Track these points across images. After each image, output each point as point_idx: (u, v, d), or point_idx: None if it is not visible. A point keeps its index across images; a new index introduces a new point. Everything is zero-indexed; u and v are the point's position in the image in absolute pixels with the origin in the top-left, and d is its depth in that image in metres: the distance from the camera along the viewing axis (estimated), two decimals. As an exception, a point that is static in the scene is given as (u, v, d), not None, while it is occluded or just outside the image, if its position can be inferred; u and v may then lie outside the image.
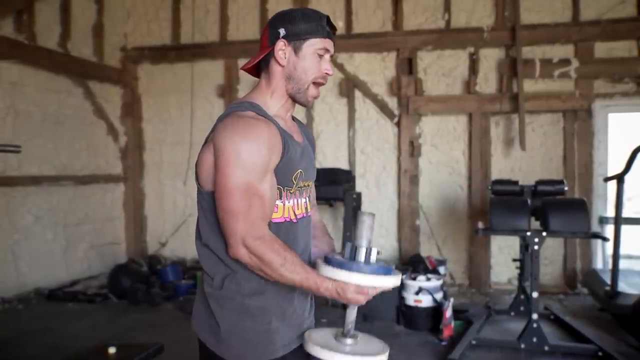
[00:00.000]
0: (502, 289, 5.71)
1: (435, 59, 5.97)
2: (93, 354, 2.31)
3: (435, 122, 5.96)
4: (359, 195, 5.33)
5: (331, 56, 1.57)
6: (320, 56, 1.53)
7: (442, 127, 5.96)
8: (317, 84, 1.55)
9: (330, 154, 6.25)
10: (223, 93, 6.56)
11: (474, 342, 3.81)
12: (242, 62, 6.50)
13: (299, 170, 1.52)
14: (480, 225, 3.86)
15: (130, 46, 6.81)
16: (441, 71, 5.97)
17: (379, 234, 6.14)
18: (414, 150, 5.93)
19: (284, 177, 1.47)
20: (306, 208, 1.58)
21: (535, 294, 3.74)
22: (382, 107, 6.06)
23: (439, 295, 4.22)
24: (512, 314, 4.58)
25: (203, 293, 1.52)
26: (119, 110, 6.77)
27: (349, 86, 6.13)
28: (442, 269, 5.10)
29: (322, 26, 1.52)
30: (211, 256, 1.50)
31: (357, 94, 6.16)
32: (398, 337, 4.08)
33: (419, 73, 5.98)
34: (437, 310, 4.13)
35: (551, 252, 5.72)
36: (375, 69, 6.11)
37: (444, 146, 5.95)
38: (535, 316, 3.71)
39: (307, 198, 1.60)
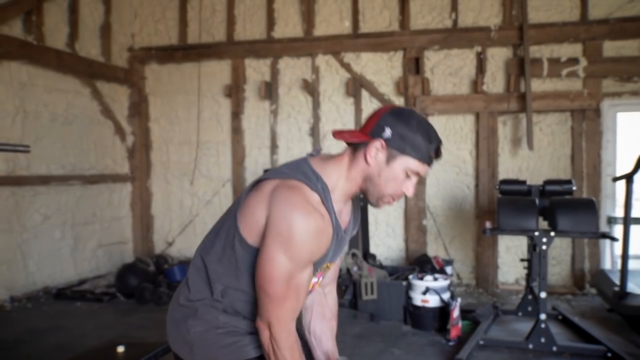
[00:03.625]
0: (510, 289, 5.69)
1: (442, 58, 5.96)
2: (102, 352, 2.32)
3: (442, 122, 5.95)
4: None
5: (419, 177, 1.51)
6: (408, 176, 1.48)
7: (449, 127, 5.95)
8: (392, 197, 1.51)
9: (337, 154, 6.24)
10: (230, 93, 6.57)
11: (481, 342, 3.80)
12: (248, 61, 6.52)
13: (327, 263, 1.55)
14: (488, 225, 3.84)
15: (137, 46, 6.84)
16: (448, 71, 5.95)
17: (385, 233, 6.14)
18: (421, 150, 5.91)
19: (314, 265, 1.48)
20: (313, 285, 1.59)
21: (543, 294, 3.72)
22: (389, 107, 6.05)
23: (446, 295, 4.21)
24: (520, 314, 4.56)
25: (179, 305, 1.57)
26: (126, 110, 6.80)
27: (356, 86, 6.12)
28: (449, 269, 5.09)
29: (428, 152, 1.46)
30: (205, 282, 1.53)
31: (364, 93, 6.15)
32: (405, 337, 4.07)
33: (425, 73, 5.97)
34: (444, 310, 4.12)
35: (559, 252, 5.70)
36: (382, 69, 6.10)
37: (450, 146, 5.93)
38: (543, 316, 3.70)
39: (321, 277, 1.61)
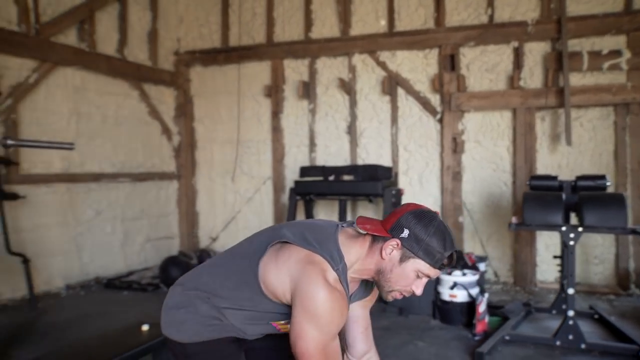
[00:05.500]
0: (548, 288, 5.60)
1: (479, 54, 5.92)
2: (129, 330, 2.54)
3: (478, 119, 5.92)
4: (398, 191, 5.38)
5: (429, 279, 1.60)
6: (419, 276, 1.58)
7: (485, 123, 5.90)
8: (400, 293, 1.62)
9: (373, 152, 6.32)
10: (269, 93, 6.78)
11: (507, 337, 3.80)
12: (287, 62, 6.71)
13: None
14: (514, 220, 3.83)
15: (182, 50, 7.16)
16: (484, 67, 5.91)
17: (422, 230, 6.15)
18: (457, 146, 5.91)
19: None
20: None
21: (571, 291, 3.68)
22: (425, 104, 6.08)
23: (474, 291, 4.21)
24: (554, 312, 4.49)
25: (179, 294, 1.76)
26: (172, 111, 7.14)
27: (392, 84, 6.18)
28: (482, 266, 5.07)
29: (440, 260, 1.56)
30: (213, 288, 1.70)
31: (400, 91, 6.20)
32: (432, 330, 4.12)
33: (461, 69, 5.96)
34: (472, 306, 4.13)
35: (602, 251, 5.55)
36: (418, 67, 6.13)
37: (487, 142, 5.89)
38: (571, 313, 3.66)
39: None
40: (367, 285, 1.78)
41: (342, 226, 1.70)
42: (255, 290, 1.62)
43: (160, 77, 6.85)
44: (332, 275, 1.54)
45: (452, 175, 5.94)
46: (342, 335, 1.83)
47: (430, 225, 1.55)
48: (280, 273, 1.58)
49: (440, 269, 1.57)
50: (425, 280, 1.59)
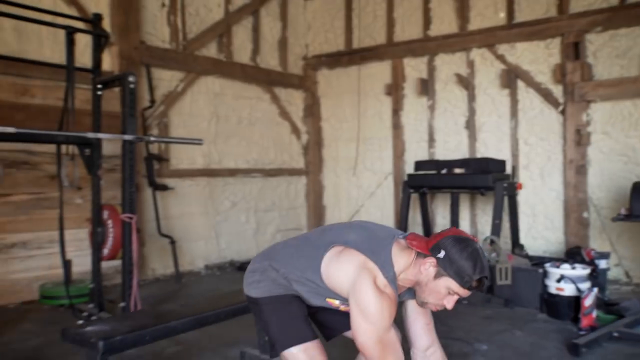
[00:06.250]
0: (689, 292, 5.08)
1: (607, 40, 5.56)
2: (232, 294, 3.02)
3: (606, 109, 5.56)
4: (511, 184, 5.30)
5: (460, 297, 1.83)
6: (450, 293, 1.82)
7: (614, 114, 5.53)
8: (434, 305, 1.87)
9: (492, 146, 6.25)
10: (390, 91, 7.03)
11: (615, 334, 3.62)
12: (407, 61, 6.90)
13: None
14: (623, 211, 3.64)
15: (310, 55, 7.72)
16: (614, 53, 5.53)
17: (544, 226, 5.95)
18: (581, 139, 5.61)
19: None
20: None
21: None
22: (546, 96, 5.87)
23: (584, 285, 4.06)
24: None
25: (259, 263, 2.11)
26: (301, 112, 7.72)
27: (511, 77, 6.06)
28: (602, 263, 4.77)
29: (469, 282, 1.76)
30: (276, 279, 2.03)
31: (520, 84, 6.06)
32: (535, 322, 4.06)
33: (587, 57, 5.65)
34: (580, 300, 3.99)
35: None
36: (539, 57, 5.93)
37: (617, 134, 5.51)
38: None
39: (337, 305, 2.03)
40: (410, 292, 2.01)
41: (399, 237, 1.95)
42: (318, 278, 1.93)
43: (289, 80, 7.47)
44: (381, 280, 1.81)
45: (575, 169, 5.65)
46: (407, 333, 2.09)
47: (466, 250, 1.77)
48: (339, 271, 1.88)
49: (469, 289, 1.77)
50: (455, 297, 1.80)
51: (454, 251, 1.76)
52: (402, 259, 1.86)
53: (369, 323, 1.77)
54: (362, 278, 1.79)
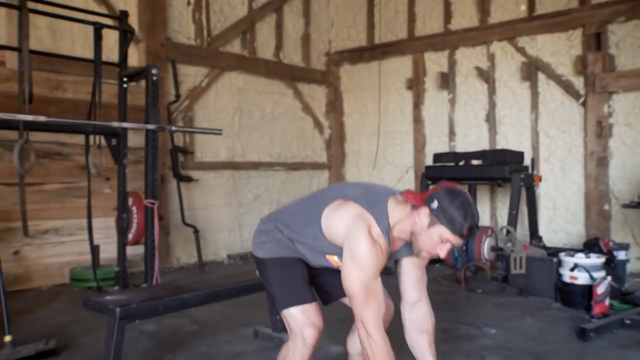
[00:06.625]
0: None
1: (631, 30, 5.51)
2: (245, 273, 3.16)
3: (629, 100, 5.50)
4: (529, 175, 5.30)
5: (453, 246, 1.92)
6: (443, 242, 1.91)
7: (638, 104, 5.46)
8: (428, 253, 1.97)
9: (512, 139, 6.24)
10: (411, 85, 7.09)
11: (628, 321, 3.62)
12: (428, 55, 6.96)
13: None
14: (636, 198, 3.63)
15: (333, 50, 7.84)
16: (637, 43, 5.47)
17: (565, 219, 5.92)
18: (602, 130, 5.57)
19: None
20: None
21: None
22: (567, 88, 5.84)
23: (598, 274, 4.05)
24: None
25: (264, 224, 2.22)
26: (323, 107, 7.85)
27: (531, 69, 6.05)
28: (621, 254, 4.74)
29: (460, 229, 1.84)
30: (287, 224, 2.13)
31: (540, 76, 6.04)
32: (548, 310, 4.08)
33: (610, 48, 5.60)
34: (593, 288, 3.99)
35: None
36: (560, 49, 5.91)
37: (640, 125, 5.45)
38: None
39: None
40: (408, 249, 2.08)
41: (395, 194, 2.06)
42: (318, 230, 2.04)
43: (312, 76, 7.60)
44: (375, 230, 1.91)
45: (596, 160, 5.61)
46: (399, 288, 2.19)
47: (456, 200, 1.86)
48: (337, 220, 1.99)
49: (460, 237, 1.86)
50: (448, 245, 1.89)
51: (446, 201, 1.85)
52: (397, 211, 1.96)
53: (358, 268, 1.87)
54: (357, 226, 1.90)
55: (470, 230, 1.86)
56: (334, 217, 2.00)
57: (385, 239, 1.93)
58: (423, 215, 1.89)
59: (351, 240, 1.90)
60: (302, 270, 2.15)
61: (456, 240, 1.87)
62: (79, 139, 4.85)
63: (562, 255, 4.30)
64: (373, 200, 1.99)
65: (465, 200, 1.88)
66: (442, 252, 1.91)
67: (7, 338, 2.96)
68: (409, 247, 2.05)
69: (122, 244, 4.39)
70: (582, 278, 4.08)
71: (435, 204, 1.86)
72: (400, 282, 2.19)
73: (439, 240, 1.88)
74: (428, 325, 2.17)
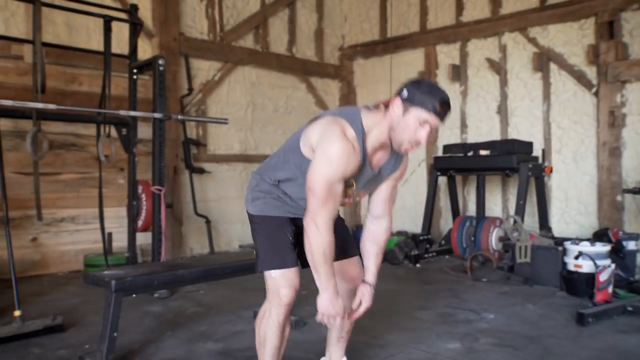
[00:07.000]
0: None
1: (644, 18, 5.42)
2: (242, 254, 3.25)
3: (642, 89, 5.42)
4: (537, 166, 5.27)
5: (432, 130, 1.96)
6: (421, 125, 1.95)
7: (651, 94, 5.38)
8: (409, 143, 2.00)
9: (524, 131, 6.19)
10: (423, 78, 7.07)
11: (630, 308, 3.59)
12: (439, 47, 6.95)
13: (354, 188, 2.09)
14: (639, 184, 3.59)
15: (346, 45, 7.88)
16: (651, 31, 5.39)
17: (577, 211, 5.85)
18: (615, 120, 5.49)
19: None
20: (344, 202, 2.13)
21: None
22: (579, 78, 5.77)
23: (603, 262, 4.01)
24: None
25: (253, 178, 2.28)
26: (337, 101, 7.90)
27: (543, 60, 6.00)
28: (631, 244, 4.67)
29: (434, 105, 1.88)
30: (272, 171, 2.20)
31: (552, 66, 5.98)
32: (551, 298, 4.06)
33: (623, 37, 5.51)
34: (595, 275, 3.95)
35: None
36: (572, 39, 5.84)
37: (654, 114, 5.36)
38: None
39: (350, 199, 2.13)
40: (397, 160, 2.15)
41: (367, 107, 2.10)
42: (298, 156, 2.07)
43: (325, 70, 7.66)
44: (350, 133, 1.94)
45: (609, 151, 5.53)
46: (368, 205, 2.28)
47: (424, 84, 1.94)
48: (312, 131, 2.03)
49: (436, 114, 1.90)
50: (427, 128, 1.92)
51: (413, 87, 1.92)
52: (371, 116, 2.00)
53: (325, 163, 1.90)
54: (331, 127, 1.94)
55: (443, 107, 1.90)
56: (310, 131, 2.04)
57: (359, 144, 1.96)
58: (396, 105, 1.93)
59: (324, 140, 1.93)
60: (289, 233, 2.19)
61: (433, 120, 1.90)
62: (94, 130, 5.00)
63: (567, 243, 4.27)
64: (345, 111, 2.06)
65: (430, 83, 1.98)
66: (422, 135, 1.93)
67: (17, 313, 3.12)
68: (392, 162, 2.12)
69: (132, 230, 4.52)
70: (586, 266, 4.04)
71: (404, 93, 1.92)
72: (370, 200, 2.27)
73: (416, 123, 1.91)
74: (382, 239, 2.26)
